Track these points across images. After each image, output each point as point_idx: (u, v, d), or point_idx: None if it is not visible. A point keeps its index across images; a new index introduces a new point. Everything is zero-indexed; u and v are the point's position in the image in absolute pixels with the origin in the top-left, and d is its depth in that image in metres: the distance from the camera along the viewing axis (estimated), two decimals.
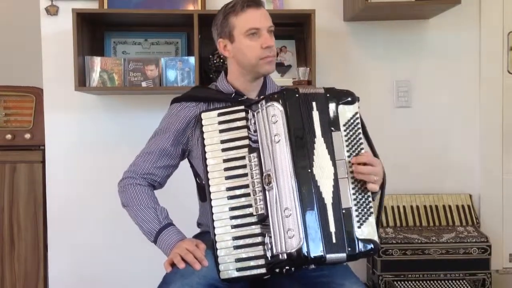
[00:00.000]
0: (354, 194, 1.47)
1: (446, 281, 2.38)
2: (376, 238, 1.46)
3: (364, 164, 1.47)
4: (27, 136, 2.59)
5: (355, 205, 1.46)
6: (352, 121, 1.51)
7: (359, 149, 1.51)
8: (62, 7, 2.54)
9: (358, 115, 1.52)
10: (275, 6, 2.52)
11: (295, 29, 2.58)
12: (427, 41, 2.65)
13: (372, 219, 1.47)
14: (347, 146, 1.49)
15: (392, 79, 2.65)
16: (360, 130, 1.52)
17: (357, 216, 1.46)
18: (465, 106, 2.67)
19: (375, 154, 1.57)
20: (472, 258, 2.37)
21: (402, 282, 2.38)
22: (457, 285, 2.38)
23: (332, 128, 1.49)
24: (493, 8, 2.65)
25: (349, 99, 1.52)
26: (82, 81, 2.37)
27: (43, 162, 2.59)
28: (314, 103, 1.50)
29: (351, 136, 1.50)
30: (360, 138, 1.51)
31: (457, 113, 2.67)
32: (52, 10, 2.54)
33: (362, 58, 2.64)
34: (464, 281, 2.38)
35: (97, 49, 2.53)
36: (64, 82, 2.50)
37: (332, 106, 1.50)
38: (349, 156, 1.49)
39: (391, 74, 2.65)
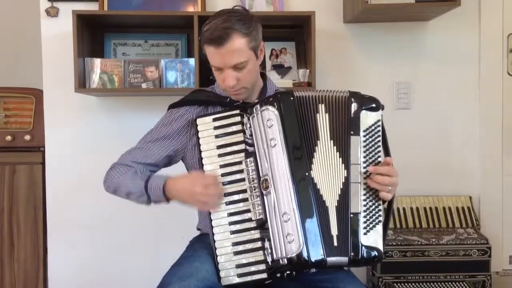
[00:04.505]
0: (364, 200, 1.46)
1: (446, 283, 2.38)
2: (381, 246, 1.45)
3: (382, 174, 1.46)
4: (27, 137, 2.59)
5: (364, 211, 1.46)
6: (373, 128, 1.50)
7: (376, 156, 1.49)
8: (62, 8, 2.54)
9: (380, 123, 1.51)
10: (275, 8, 2.52)
11: (295, 31, 2.59)
12: (427, 43, 2.65)
13: (379, 228, 1.46)
14: (364, 152, 1.48)
15: (392, 81, 2.65)
16: (379, 138, 1.50)
17: (364, 222, 1.45)
18: (465, 108, 2.67)
19: None
20: (472, 260, 2.37)
21: (402, 284, 2.38)
22: (457, 287, 2.38)
23: (352, 132, 1.48)
24: (492, 10, 2.65)
25: (373, 105, 1.51)
26: (82, 82, 2.37)
27: (43, 163, 2.59)
28: (321, 106, 1.49)
29: (370, 142, 1.49)
30: (378, 146, 1.50)
31: (457, 114, 2.67)
32: (52, 12, 2.54)
33: (362, 60, 2.64)
34: (464, 283, 2.38)
35: (97, 50, 2.53)
36: (64, 83, 2.50)
37: (353, 110, 1.49)
38: (365, 162, 1.48)
39: (391, 76, 2.65)
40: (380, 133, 1.51)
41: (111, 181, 1.68)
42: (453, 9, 2.41)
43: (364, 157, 1.48)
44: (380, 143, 1.50)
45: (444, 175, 2.66)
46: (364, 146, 1.48)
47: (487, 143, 2.67)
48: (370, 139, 1.49)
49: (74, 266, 2.60)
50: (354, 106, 1.50)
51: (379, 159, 1.50)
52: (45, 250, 2.61)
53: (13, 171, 2.59)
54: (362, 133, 1.48)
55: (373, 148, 1.49)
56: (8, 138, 2.58)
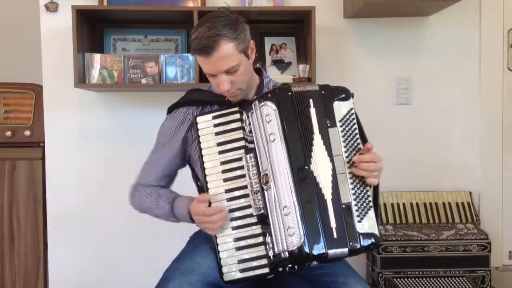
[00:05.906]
0: (353, 189, 1.48)
1: (446, 278, 2.38)
2: (376, 232, 1.47)
3: (367, 162, 1.47)
4: (27, 133, 2.59)
5: (355, 199, 1.47)
6: (347, 117, 1.52)
7: (355, 144, 1.51)
8: (61, 4, 2.53)
9: (353, 111, 1.53)
10: (275, 3, 2.51)
11: (295, 26, 2.58)
12: (427, 38, 2.64)
13: (371, 213, 1.48)
14: (343, 141, 1.50)
15: (392, 76, 2.64)
16: (356, 126, 1.52)
17: (356, 210, 1.46)
18: (465, 103, 2.67)
19: None
20: (472, 255, 2.38)
21: (402, 279, 2.38)
22: (456, 282, 2.38)
23: (328, 124, 1.49)
24: (493, 5, 2.64)
25: (344, 95, 1.53)
26: (81, 78, 2.36)
27: (43, 159, 2.59)
28: (311, 100, 1.50)
29: (347, 131, 1.51)
30: (356, 134, 1.52)
31: (457, 110, 2.67)
32: (52, 7, 2.53)
33: (362, 55, 2.63)
34: (464, 278, 2.38)
35: (97, 46, 2.53)
36: (64, 79, 2.49)
37: (327, 103, 1.51)
38: (346, 152, 1.49)
39: (391, 71, 2.64)
40: (355, 121, 1.53)
41: (137, 205, 1.74)
42: (453, 4, 2.41)
43: (345, 146, 1.50)
44: (357, 131, 1.52)
45: (444, 171, 2.66)
46: (343, 136, 1.50)
47: (487, 138, 2.67)
48: (347, 128, 1.51)
49: (74, 261, 2.61)
50: (326, 98, 1.51)
51: (360, 146, 1.51)
52: (45, 245, 2.61)
53: (13, 166, 2.59)
54: (338, 124, 1.50)
55: (351, 136, 1.51)
56: (8, 133, 2.58)
